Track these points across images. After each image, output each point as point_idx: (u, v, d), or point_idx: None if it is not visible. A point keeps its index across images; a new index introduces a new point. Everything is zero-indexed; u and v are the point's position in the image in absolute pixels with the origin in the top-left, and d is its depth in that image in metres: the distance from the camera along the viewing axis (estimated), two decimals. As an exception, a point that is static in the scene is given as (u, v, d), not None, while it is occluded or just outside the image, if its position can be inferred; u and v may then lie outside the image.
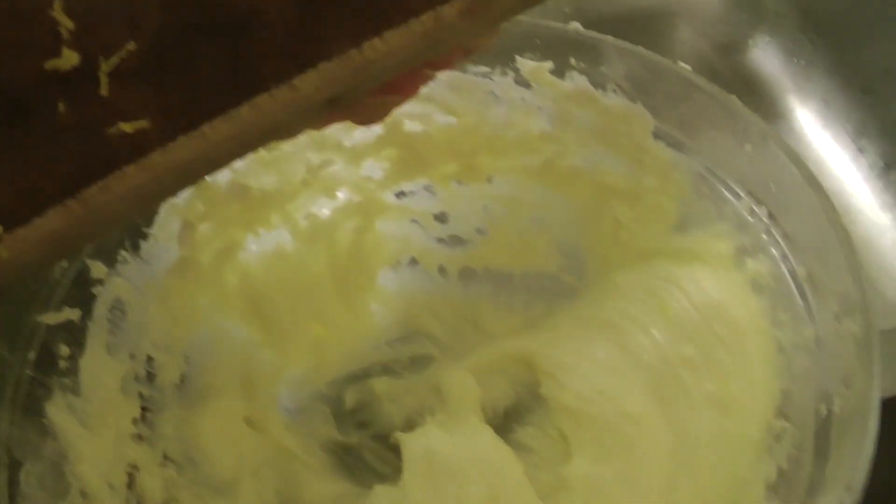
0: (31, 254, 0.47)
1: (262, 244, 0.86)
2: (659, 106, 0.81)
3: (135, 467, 0.76)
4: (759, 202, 0.76)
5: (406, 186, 0.89)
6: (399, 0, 0.50)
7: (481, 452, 0.82)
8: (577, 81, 0.83)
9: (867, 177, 1.24)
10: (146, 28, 0.49)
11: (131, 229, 0.78)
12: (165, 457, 0.80)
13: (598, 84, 0.82)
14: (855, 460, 0.59)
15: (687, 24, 1.33)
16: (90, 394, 0.74)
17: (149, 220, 0.79)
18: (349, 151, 0.85)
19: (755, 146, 0.76)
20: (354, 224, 0.89)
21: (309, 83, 0.49)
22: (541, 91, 0.84)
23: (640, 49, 0.80)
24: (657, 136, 0.82)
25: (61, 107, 0.47)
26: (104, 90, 0.48)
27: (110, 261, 0.76)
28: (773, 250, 0.75)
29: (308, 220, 0.86)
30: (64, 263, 0.74)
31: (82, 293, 0.75)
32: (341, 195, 0.88)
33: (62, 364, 0.73)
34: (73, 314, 0.74)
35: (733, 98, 0.77)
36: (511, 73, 0.83)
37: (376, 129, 0.85)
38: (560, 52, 0.82)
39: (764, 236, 0.76)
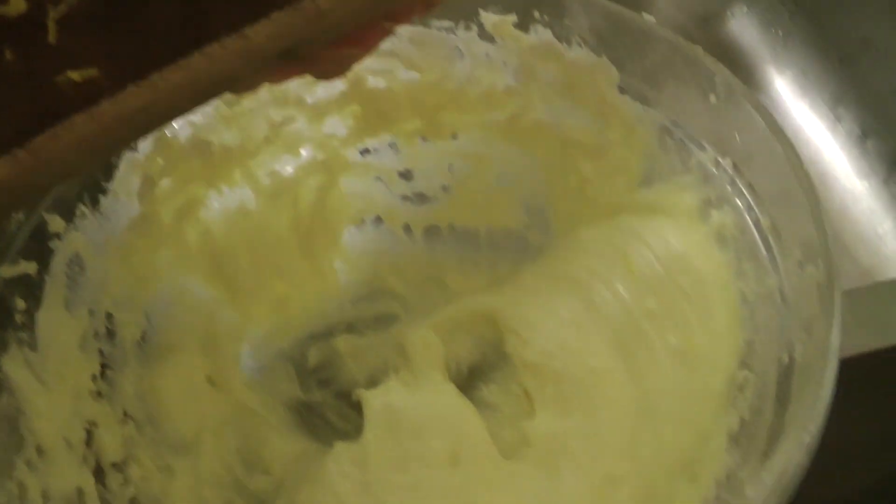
0: None
1: (224, 201, 0.86)
2: (623, 59, 0.80)
3: (93, 424, 0.75)
4: (724, 153, 0.75)
5: (370, 144, 0.89)
6: None
7: (443, 409, 0.81)
8: (541, 35, 0.82)
9: (844, 145, 1.25)
10: (96, -25, 0.48)
11: (90, 184, 0.76)
12: (125, 414, 0.78)
13: (563, 38, 0.81)
14: (814, 403, 0.58)
15: (664, -5, 1.33)
16: (47, 349, 0.73)
17: (108, 175, 0.77)
18: (311, 108, 0.85)
19: (720, 97, 0.75)
20: (318, 182, 0.88)
21: (261, 33, 0.49)
22: (505, 45, 0.83)
23: (604, 1, 0.79)
24: (622, 89, 0.81)
25: (8, 55, 0.46)
26: (52, 38, 0.47)
27: (68, 215, 0.75)
28: (738, 201, 0.74)
29: (271, 178, 0.86)
30: (20, 216, 0.72)
31: (39, 247, 0.74)
32: (304, 153, 0.87)
33: (18, 318, 0.72)
34: (29, 268, 0.72)
35: (698, 49, 0.76)
36: (475, 28, 0.82)
37: (339, 86, 0.84)
38: (524, 5, 0.81)
39: (728, 188, 0.75)
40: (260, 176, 0.86)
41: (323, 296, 0.91)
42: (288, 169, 0.87)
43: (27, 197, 0.64)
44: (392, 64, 0.84)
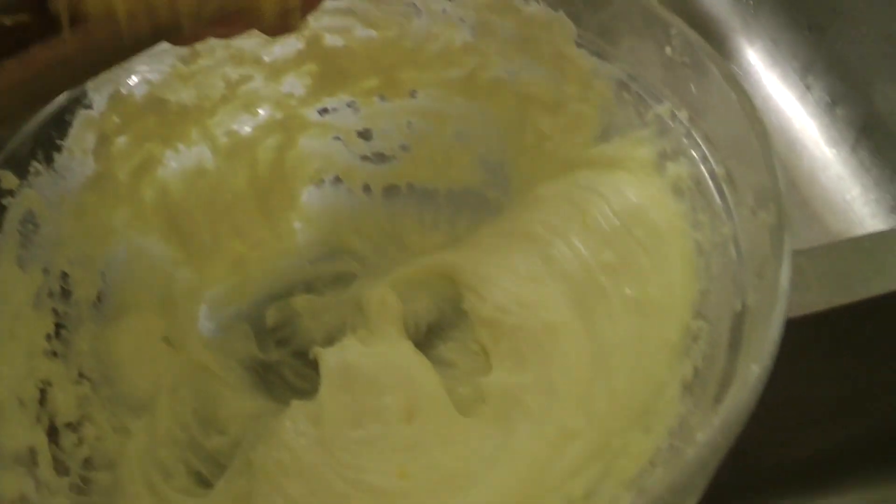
0: None
1: (181, 160, 0.85)
2: (580, 13, 0.80)
3: (47, 383, 0.74)
4: (680, 105, 0.75)
5: (329, 103, 0.88)
6: None
7: (399, 365, 0.81)
8: (498, -10, 0.80)
9: (813, 113, 1.25)
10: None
11: (44, 140, 0.75)
12: (80, 374, 0.78)
13: (519, -8, 0.80)
14: (761, 343, 0.58)
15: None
16: (-1, 306, 0.71)
17: (62, 132, 0.76)
18: (269, 67, 0.84)
19: (675, 49, 0.75)
20: (276, 141, 0.88)
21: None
22: (462, 1, 0.83)
23: (560, -47, 0.78)
24: (579, 44, 0.81)
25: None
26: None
27: (22, 172, 0.74)
28: (694, 153, 0.74)
29: (229, 137, 0.85)
30: (-30, 174, 0.71)
31: (-8, 204, 0.72)
32: (262, 112, 0.87)
33: (-31, 275, 0.69)
34: (-20, 224, 0.70)
35: (653, 1, 0.75)
36: (432, -16, 0.81)
37: (296, 44, 0.84)
38: (480, -39, 0.80)
39: (684, 140, 0.75)
40: (217, 135, 0.85)
41: (281, 256, 0.91)
42: (246, 128, 0.86)
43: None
44: (349, 22, 0.84)
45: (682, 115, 0.75)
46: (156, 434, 0.80)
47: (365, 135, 0.91)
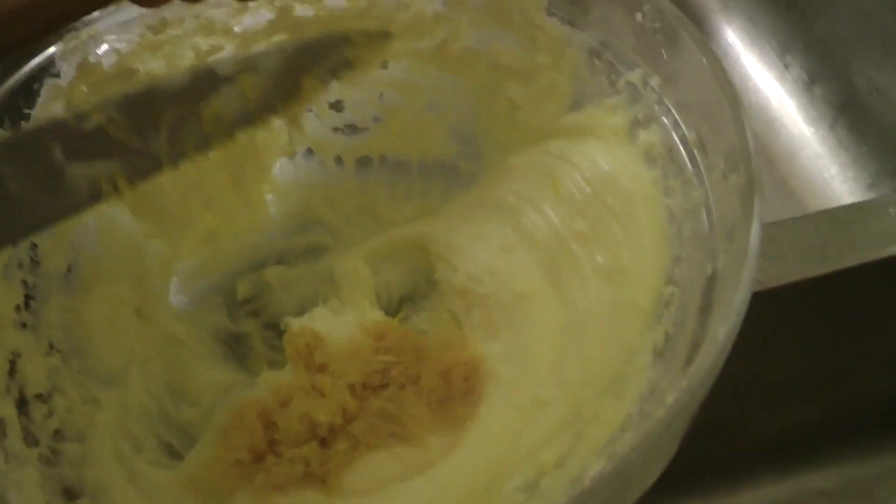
0: None
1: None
2: (550, -19, 0.78)
3: (16, 355, 0.74)
4: (651, 72, 0.75)
5: (300, 74, 0.86)
6: None
7: (369, 335, 0.79)
8: (469, -42, 0.79)
9: (792, 91, 1.25)
10: None
11: (11, 110, 0.75)
12: (51, 346, 0.77)
13: (490, -40, 0.79)
14: (729, 303, 0.58)
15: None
16: (-34, 277, 0.70)
17: (30, 101, 0.75)
18: (239, 37, 0.84)
19: (646, 15, 0.74)
20: (248, 113, 0.86)
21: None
22: (432, -29, 0.81)
23: (529, -80, 0.78)
24: (550, 12, 0.80)
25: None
26: None
27: (-12, 141, 0.73)
28: (665, 119, 0.74)
29: (200, 109, 0.83)
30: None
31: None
32: (233, 83, 0.84)
33: (-66, 245, 0.69)
34: (-53, 194, 0.70)
35: (623, -34, 0.75)
36: (403, -48, 0.80)
37: (266, 15, 0.83)
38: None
39: (656, 106, 0.75)
40: (188, 106, 0.83)
41: (253, 228, 0.90)
42: (217, 100, 0.84)
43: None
44: (319, -9, 0.82)
45: (654, 81, 0.74)
46: (126, 406, 0.79)
47: (336, 106, 0.90)
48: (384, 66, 0.87)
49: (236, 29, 0.83)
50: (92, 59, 0.78)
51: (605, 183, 0.77)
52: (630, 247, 0.73)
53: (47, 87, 0.77)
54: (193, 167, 0.81)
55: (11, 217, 0.68)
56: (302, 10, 0.83)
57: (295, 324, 0.81)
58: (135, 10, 0.76)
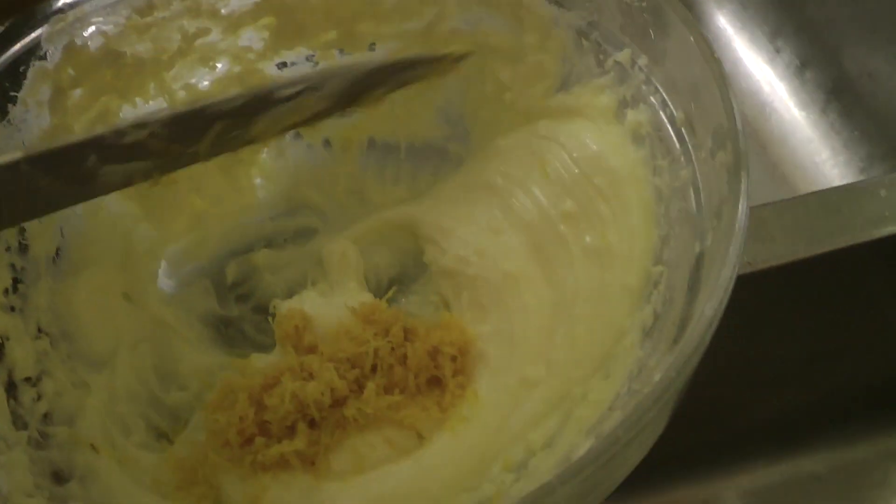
0: None
1: (139, 114, 0.82)
2: (537, -40, 0.78)
3: (5, 338, 0.74)
4: (639, 52, 0.75)
5: (287, 57, 0.87)
6: None
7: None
8: (454, -61, 0.79)
9: (783, 76, 1.25)
10: None
11: (-3, 92, 0.74)
12: (39, 330, 0.77)
13: (477, -60, 0.79)
14: (717, 279, 0.58)
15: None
16: (-47, 260, 0.70)
17: (16, 84, 0.75)
18: (226, 20, 0.83)
19: (633, -6, 0.73)
20: (235, 95, 0.86)
21: None
22: (419, -49, 0.81)
23: None
24: (537, -8, 0.79)
25: None
26: None
27: (-26, 123, 0.73)
28: (653, 99, 0.74)
29: (186, 91, 0.84)
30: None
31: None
32: (220, 66, 0.86)
33: (-80, 229, 0.69)
34: (-66, 176, 0.70)
35: (609, -54, 0.75)
36: (389, -67, 0.80)
37: (253, -2, 0.82)
38: None
39: (644, 86, 0.75)
40: (175, 89, 0.84)
41: (241, 211, 0.90)
42: (204, 82, 0.85)
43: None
44: (306, -27, 0.82)
45: (642, 61, 0.74)
46: (115, 389, 0.79)
47: (325, 89, 0.88)
48: (371, 47, 0.86)
49: (223, 11, 0.83)
50: (78, 42, 0.78)
51: (593, 163, 0.77)
52: (618, 227, 0.73)
53: (34, 69, 0.77)
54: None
55: (35, 200, 0.69)
56: (289, -8, 0.82)
57: (284, 306, 0.81)
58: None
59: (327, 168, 0.91)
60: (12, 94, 0.76)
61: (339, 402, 0.74)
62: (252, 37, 0.85)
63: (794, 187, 1.19)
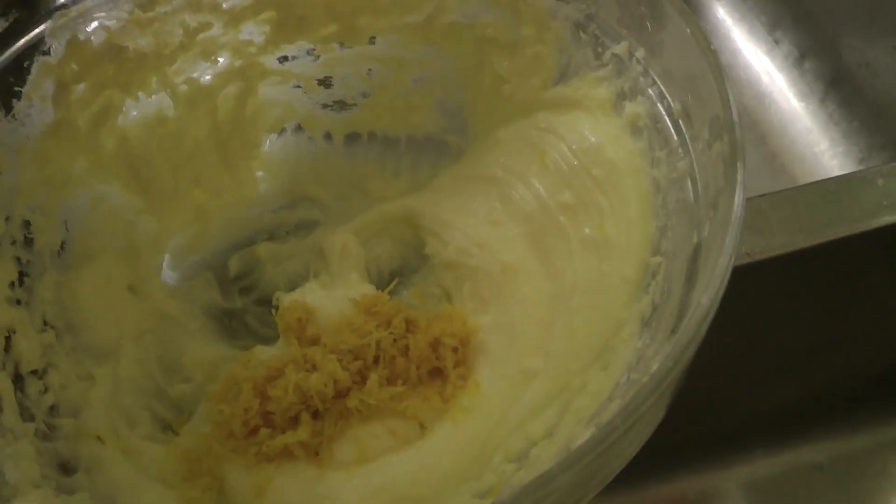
0: None
1: (141, 109, 0.84)
2: (536, -47, 0.79)
3: (11, 331, 0.75)
4: (636, 44, 0.75)
5: (288, 51, 0.88)
6: None
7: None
8: (453, -68, 0.79)
9: (782, 67, 1.25)
10: None
11: (2, 87, 0.75)
12: (45, 322, 0.78)
13: (476, -66, 0.79)
14: (713, 269, 0.58)
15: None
16: (-41, 253, 0.70)
17: (20, 79, 0.76)
18: (227, 14, 0.84)
19: (630, -14, 0.74)
20: (236, 89, 0.88)
21: None
22: (417, -56, 0.81)
23: None
24: (535, -16, 0.79)
25: None
26: None
27: (-20, 118, 0.73)
28: (651, 91, 0.74)
29: (188, 85, 0.85)
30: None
31: (-51, 151, 0.72)
32: (222, 60, 0.86)
33: (-72, 222, 0.69)
34: (-61, 170, 0.70)
35: (606, -61, 0.76)
36: (388, -74, 0.81)
37: (254, -8, 0.83)
38: None
39: (641, 78, 0.75)
40: (177, 83, 0.85)
41: (244, 204, 0.91)
42: (206, 76, 0.86)
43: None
44: (306, -33, 0.82)
45: (639, 53, 0.75)
46: (120, 381, 0.80)
47: (325, 82, 0.90)
48: (371, 41, 0.87)
49: (224, 6, 0.84)
50: (81, 37, 0.79)
51: (592, 155, 0.77)
52: (616, 218, 0.74)
53: (37, 64, 0.77)
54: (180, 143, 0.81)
55: None
56: (288, -14, 0.82)
57: (286, 298, 0.82)
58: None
59: (328, 161, 0.92)
60: (16, 88, 0.76)
61: (342, 393, 0.75)
62: (253, 31, 0.86)
63: (793, 178, 1.19)
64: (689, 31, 0.69)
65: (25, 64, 0.76)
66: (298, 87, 0.90)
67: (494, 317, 0.78)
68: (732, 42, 1.31)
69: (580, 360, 0.72)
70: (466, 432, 0.74)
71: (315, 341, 0.77)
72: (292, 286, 0.85)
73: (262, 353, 0.79)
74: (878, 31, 1.17)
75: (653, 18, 0.72)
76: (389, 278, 0.87)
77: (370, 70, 0.89)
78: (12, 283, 0.76)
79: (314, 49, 0.87)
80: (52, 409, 0.75)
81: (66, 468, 0.72)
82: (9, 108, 0.76)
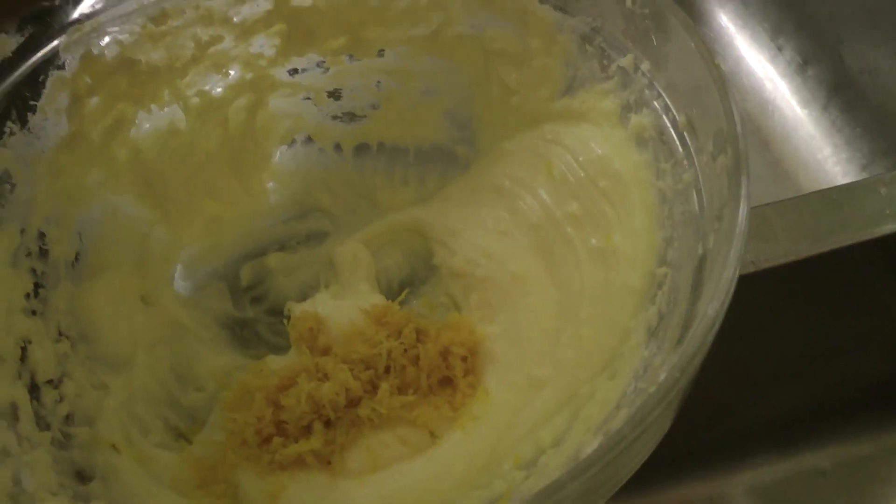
0: None
1: (154, 121, 0.85)
2: (542, -33, 0.80)
3: (27, 341, 0.76)
4: (641, 56, 0.76)
5: (298, 63, 0.89)
6: None
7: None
8: (461, -54, 0.80)
9: (785, 74, 1.26)
10: None
11: (18, 101, 0.76)
12: (60, 332, 0.79)
13: (482, -53, 0.80)
14: (718, 280, 0.59)
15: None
16: (-24, 265, 0.71)
17: (36, 93, 0.77)
18: (238, 27, 0.85)
19: (636, 1, 0.75)
20: (247, 101, 0.89)
21: None
22: (426, -42, 0.82)
23: None
24: (542, -2, 0.80)
25: None
26: None
27: (-4, 132, 0.74)
28: (656, 103, 0.75)
29: (200, 98, 0.86)
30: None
31: (-34, 164, 0.73)
32: (233, 72, 0.87)
33: (-57, 234, 0.70)
34: (-44, 184, 0.71)
35: (612, -47, 0.77)
36: (396, -60, 0.82)
37: (264, 4, 0.84)
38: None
39: (647, 91, 0.76)
40: (189, 95, 0.86)
41: (255, 215, 0.92)
42: (217, 89, 0.87)
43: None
44: (316, -19, 0.83)
45: (644, 66, 0.75)
46: (134, 391, 0.81)
47: (335, 94, 0.91)
48: (380, 53, 0.88)
49: (235, 19, 0.85)
50: (95, 51, 0.80)
51: (598, 166, 0.78)
52: (623, 228, 0.75)
53: (52, 79, 0.79)
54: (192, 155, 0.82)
55: None
56: (299, 0, 0.83)
57: (298, 308, 0.82)
58: (136, 2, 0.77)
59: (338, 172, 0.93)
60: (32, 102, 0.77)
61: (353, 403, 0.76)
62: (263, 43, 0.87)
63: (796, 184, 1.19)
64: (693, 44, 0.69)
65: (40, 78, 0.77)
66: (308, 98, 0.91)
67: (503, 326, 0.79)
68: (735, 49, 1.32)
69: (588, 368, 0.73)
70: (476, 440, 0.74)
71: (326, 351, 0.78)
72: (303, 296, 0.86)
73: (274, 362, 0.79)
74: (881, 37, 1.17)
75: (658, 32, 0.73)
76: (399, 288, 0.88)
77: (379, 82, 0.90)
78: (28, 294, 0.77)
79: (324, 61, 0.88)
80: (68, 418, 0.76)
81: (82, 476, 0.73)
82: (24, 122, 0.77)
